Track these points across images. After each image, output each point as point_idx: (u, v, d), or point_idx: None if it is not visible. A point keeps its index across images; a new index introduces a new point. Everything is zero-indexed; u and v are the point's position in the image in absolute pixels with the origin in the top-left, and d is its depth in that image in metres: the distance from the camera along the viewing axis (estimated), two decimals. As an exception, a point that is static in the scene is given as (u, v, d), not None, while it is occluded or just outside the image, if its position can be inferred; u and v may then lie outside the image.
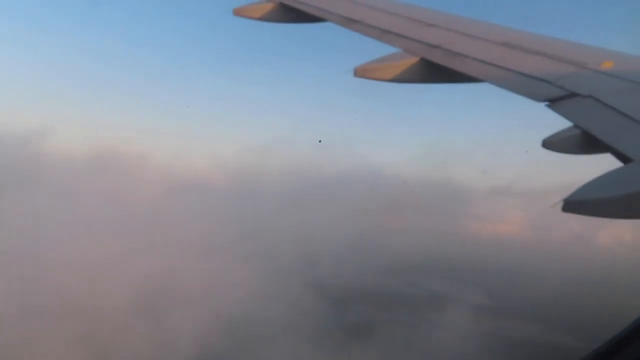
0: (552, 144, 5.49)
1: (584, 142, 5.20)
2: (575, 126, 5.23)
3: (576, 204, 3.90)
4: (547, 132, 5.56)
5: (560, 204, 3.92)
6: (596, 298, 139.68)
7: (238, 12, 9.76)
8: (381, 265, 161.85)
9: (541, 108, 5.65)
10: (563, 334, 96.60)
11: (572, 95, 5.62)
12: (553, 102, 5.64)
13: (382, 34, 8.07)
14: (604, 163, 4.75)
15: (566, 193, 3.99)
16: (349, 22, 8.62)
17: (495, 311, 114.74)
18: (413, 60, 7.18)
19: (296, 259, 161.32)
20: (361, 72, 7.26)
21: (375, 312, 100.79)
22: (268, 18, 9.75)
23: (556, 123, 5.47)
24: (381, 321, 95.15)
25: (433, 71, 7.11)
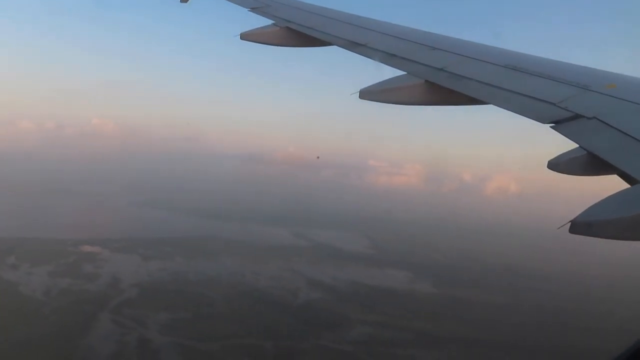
0: (557, 165, 5.74)
1: (589, 163, 5.35)
2: (581, 147, 5.20)
3: (583, 225, 3.86)
4: (553, 154, 5.79)
5: (568, 225, 3.89)
6: (470, 246, 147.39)
7: (245, 37, 9.64)
8: (270, 216, 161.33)
9: (546, 130, 5.61)
10: (427, 282, 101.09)
11: (576, 116, 5.55)
12: (558, 124, 5.55)
13: (387, 57, 8.05)
14: (610, 184, 4.75)
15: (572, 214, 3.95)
16: (353, 46, 8.57)
17: (373, 260, 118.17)
18: (417, 82, 7.17)
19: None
20: (366, 95, 7.21)
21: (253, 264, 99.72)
22: (274, 42, 9.71)
23: (561, 144, 5.56)
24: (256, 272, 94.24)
25: (437, 93, 7.08)
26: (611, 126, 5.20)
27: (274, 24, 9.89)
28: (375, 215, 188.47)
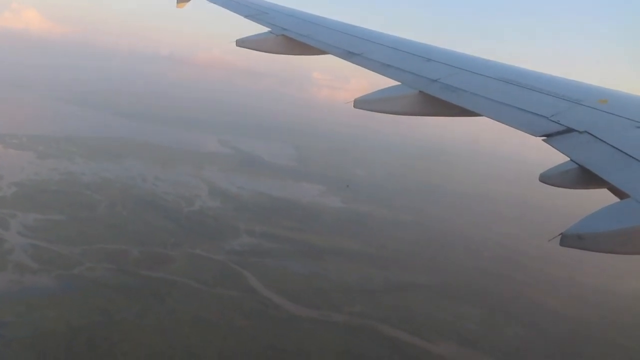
0: (549, 178, 5.55)
1: (580, 176, 5.27)
2: (572, 161, 5.31)
3: (574, 237, 3.98)
4: (544, 167, 5.66)
5: (559, 238, 4.03)
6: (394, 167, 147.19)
7: (241, 44, 9.83)
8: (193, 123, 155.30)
9: (538, 142, 5.72)
10: (337, 196, 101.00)
11: (568, 130, 5.71)
12: (550, 137, 5.69)
13: (382, 67, 8.17)
14: (601, 198, 4.97)
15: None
16: (349, 56, 8.70)
17: (292, 172, 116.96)
18: (412, 93, 7.26)
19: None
20: (360, 104, 7.31)
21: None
22: (270, 50, 9.82)
23: (553, 157, 5.63)
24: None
25: (431, 104, 7.18)
26: (602, 141, 5.29)
27: (270, 32, 9.91)
28: (308, 128, 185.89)
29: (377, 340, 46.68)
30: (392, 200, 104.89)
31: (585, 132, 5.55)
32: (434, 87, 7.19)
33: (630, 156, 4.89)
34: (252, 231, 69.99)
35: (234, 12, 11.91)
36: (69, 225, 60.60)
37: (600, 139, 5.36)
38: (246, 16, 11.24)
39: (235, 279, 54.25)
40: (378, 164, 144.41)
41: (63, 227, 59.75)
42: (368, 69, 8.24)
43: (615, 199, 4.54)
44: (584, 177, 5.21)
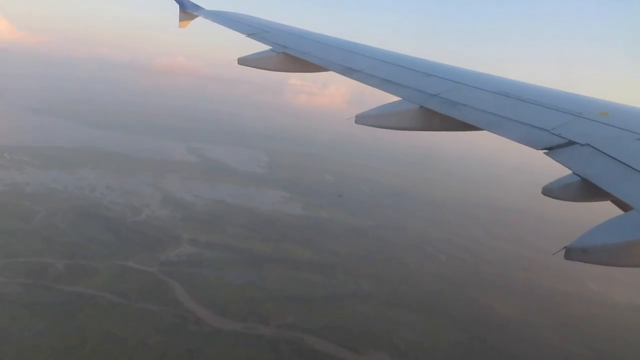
0: (551, 191, 5.61)
1: (583, 189, 5.27)
2: (574, 174, 5.30)
3: (578, 251, 3.94)
4: (547, 180, 5.73)
5: (563, 251, 3.98)
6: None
7: (243, 62, 9.85)
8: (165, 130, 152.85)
9: (540, 156, 5.68)
10: (299, 203, 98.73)
11: (570, 143, 5.69)
12: (551, 150, 5.66)
13: (382, 83, 8.21)
14: (604, 211, 5.00)
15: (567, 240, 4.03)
16: (350, 72, 8.74)
17: (258, 179, 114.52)
18: (412, 108, 7.25)
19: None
20: (362, 120, 7.31)
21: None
22: (271, 67, 9.81)
23: (555, 170, 5.64)
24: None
25: (432, 119, 7.18)
26: (604, 153, 5.25)
27: (271, 50, 10.02)
28: (283, 134, 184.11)
29: (300, 353, 44.57)
30: (357, 206, 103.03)
31: (587, 144, 5.52)
32: (435, 102, 7.21)
33: (633, 168, 4.83)
34: (195, 240, 67.75)
35: (236, 30, 12.14)
36: (-6, 238, 58.10)
37: (602, 152, 5.32)
38: (248, 35, 11.44)
39: (161, 291, 51.91)
40: (351, 170, 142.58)
41: (-13, 240, 57.26)
42: (368, 84, 8.24)
43: (619, 212, 4.51)
44: (586, 190, 5.18)
